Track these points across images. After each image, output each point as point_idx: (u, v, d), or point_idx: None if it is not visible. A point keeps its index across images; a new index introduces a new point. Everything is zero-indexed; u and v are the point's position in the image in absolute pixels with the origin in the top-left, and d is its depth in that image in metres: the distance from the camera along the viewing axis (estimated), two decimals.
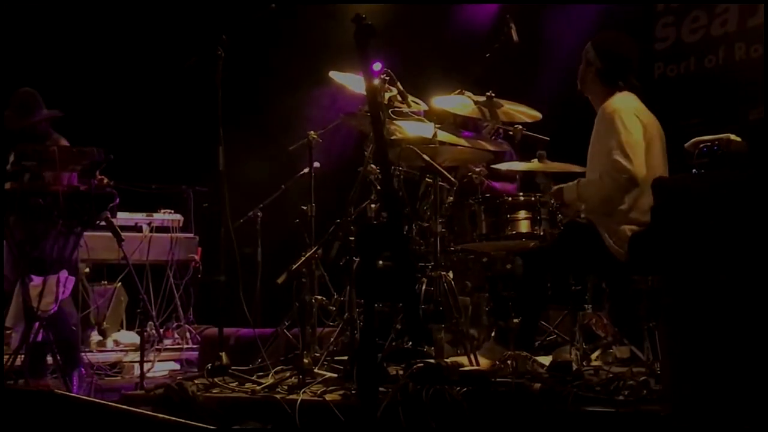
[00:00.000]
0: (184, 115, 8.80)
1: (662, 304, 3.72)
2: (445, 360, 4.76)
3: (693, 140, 4.10)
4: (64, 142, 6.45)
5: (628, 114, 4.93)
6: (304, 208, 6.03)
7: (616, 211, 4.91)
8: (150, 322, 7.58)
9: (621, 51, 5.17)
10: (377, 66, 5.14)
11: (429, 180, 5.46)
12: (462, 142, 5.68)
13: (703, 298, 3.52)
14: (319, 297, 5.85)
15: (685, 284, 3.57)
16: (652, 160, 4.96)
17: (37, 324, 6.03)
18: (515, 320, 5.00)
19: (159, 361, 7.30)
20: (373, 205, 5.53)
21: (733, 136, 4.07)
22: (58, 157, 5.98)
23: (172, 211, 8.39)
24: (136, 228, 8.20)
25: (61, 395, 3.71)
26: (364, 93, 5.46)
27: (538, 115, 5.79)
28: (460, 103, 5.77)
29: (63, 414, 3.56)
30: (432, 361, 4.68)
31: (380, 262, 4.83)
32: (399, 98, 5.37)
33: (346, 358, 5.17)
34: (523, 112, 5.80)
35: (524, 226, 5.01)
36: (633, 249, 4.78)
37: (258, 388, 4.85)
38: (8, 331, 7.26)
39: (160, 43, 9.06)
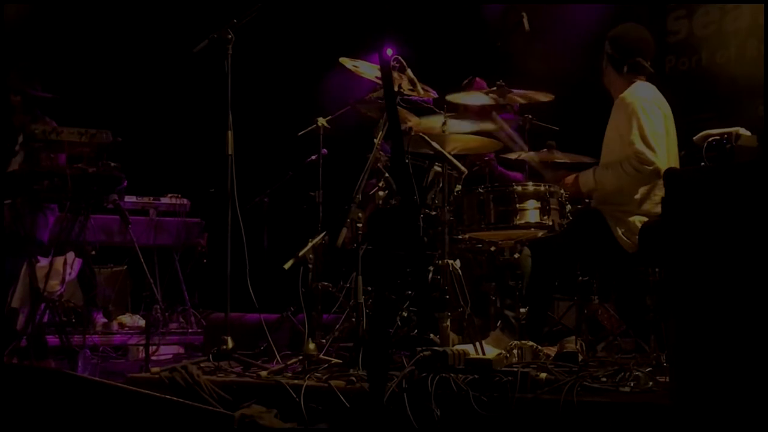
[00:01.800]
0: (193, 100, 8.80)
1: (670, 296, 3.72)
2: (451, 348, 4.76)
3: (702, 133, 4.10)
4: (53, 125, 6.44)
5: (650, 104, 4.94)
6: (312, 194, 6.03)
7: (628, 201, 4.91)
8: (155, 306, 7.59)
9: (630, 39, 5.20)
10: (389, 52, 5.12)
11: (438, 168, 5.45)
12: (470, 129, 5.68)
13: (713, 291, 3.51)
14: (326, 283, 5.85)
15: (695, 277, 3.57)
16: (669, 151, 4.97)
17: (43, 305, 6.06)
18: (522, 310, 5.00)
19: (164, 344, 7.31)
20: (381, 192, 5.52)
21: (742, 130, 4.06)
22: (66, 139, 6.00)
23: (179, 195, 8.39)
24: (143, 211, 8.20)
25: (68, 374, 3.73)
26: (375, 78, 5.45)
27: (551, 95, 5.77)
28: (472, 95, 5.77)
29: (70, 393, 3.58)
30: (438, 349, 4.68)
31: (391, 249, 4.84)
32: (409, 85, 5.36)
33: (351, 344, 5.17)
34: (534, 97, 5.79)
35: (533, 216, 5.00)
36: (643, 240, 4.78)
37: (263, 372, 4.86)
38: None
39: (170, 27, 9.05)
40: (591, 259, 5.03)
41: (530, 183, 5.13)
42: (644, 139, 4.83)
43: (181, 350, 7.51)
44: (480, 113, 6.19)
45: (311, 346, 5.08)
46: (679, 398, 3.54)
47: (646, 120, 4.88)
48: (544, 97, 5.77)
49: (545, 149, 5.73)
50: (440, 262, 5.18)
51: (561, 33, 7.66)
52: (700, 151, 4.04)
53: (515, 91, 5.69)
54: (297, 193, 6.60)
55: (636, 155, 4.82)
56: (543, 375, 4.05)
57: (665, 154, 4.90)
